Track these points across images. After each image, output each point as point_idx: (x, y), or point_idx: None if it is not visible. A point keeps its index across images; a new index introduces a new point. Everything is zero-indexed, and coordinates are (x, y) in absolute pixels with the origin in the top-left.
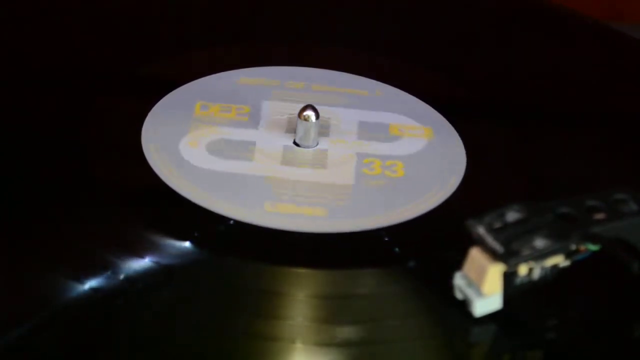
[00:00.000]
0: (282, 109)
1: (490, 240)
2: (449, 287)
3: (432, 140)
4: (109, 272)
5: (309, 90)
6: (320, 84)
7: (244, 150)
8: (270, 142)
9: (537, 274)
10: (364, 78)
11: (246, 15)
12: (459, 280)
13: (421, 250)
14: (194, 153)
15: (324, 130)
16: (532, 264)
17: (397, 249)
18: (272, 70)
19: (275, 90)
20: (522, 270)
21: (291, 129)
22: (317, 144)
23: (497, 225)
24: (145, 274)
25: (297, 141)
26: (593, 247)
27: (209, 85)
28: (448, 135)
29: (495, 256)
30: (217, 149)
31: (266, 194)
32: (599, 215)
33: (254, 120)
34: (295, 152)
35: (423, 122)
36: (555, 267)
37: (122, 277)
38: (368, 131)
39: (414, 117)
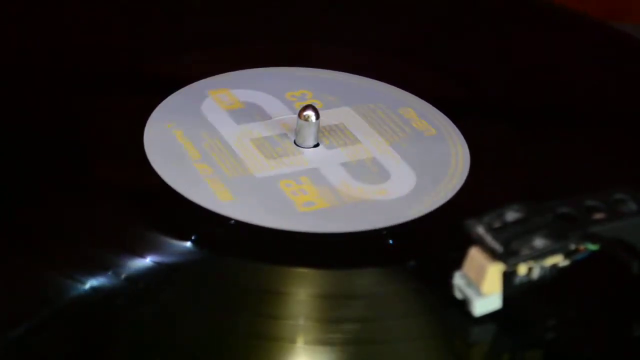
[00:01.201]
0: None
1: (489, 239)
2: (449, 287)
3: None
4: (109, 272)
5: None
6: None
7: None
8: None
9: (536, 273)
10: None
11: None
12: (458, 279)
13: (421, 250)
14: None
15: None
16: (531, 263)
17: (396, 249)
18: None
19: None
20: (522, 269)
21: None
22: (318, 144)
23: (497, 225)
24: (145, 274)
25: (298, 143)
26: (592, 247)
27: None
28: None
29: (494, 256)
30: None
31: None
32: (599, 215)
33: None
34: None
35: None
36: (554, 266)
37: (122, 277)
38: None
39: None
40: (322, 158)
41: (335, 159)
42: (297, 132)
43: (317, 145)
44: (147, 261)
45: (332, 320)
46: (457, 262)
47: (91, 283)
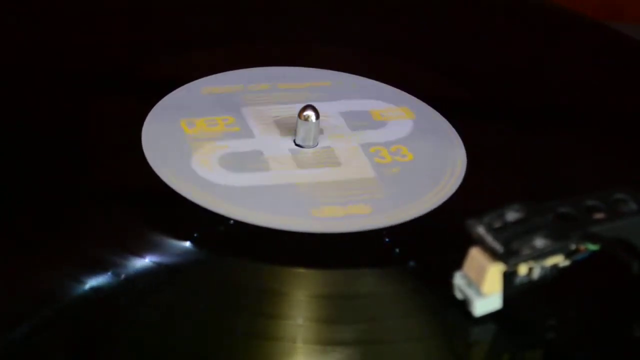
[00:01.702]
0: (263, 113)
1: (490, 239)
2: (449, 287)
3: (421, 126)
4: (109, 272)
5: (276, 90)
6: (285, 82)
7: (256, 161)
8: (276, 148)
9: (537, 273)
10: (342, 73)
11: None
12: (458, 279)
13: (421, 250)
14: (206, 170)
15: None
16: (531, 263)
17: (397, 249)
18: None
19: (245, 95)
20: (522, 270)
21: (285, 132)
22: (317, 143)
23: (497, 225)
24: (145, 274)
25: (298, 142)
26: (593, 247)
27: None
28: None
29: (495, 256)
30: (229, 163)
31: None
32: (599, 215)
33: (246, 129)
34: (304, 153)
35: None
36: (555, 266)
37: (122, 277)
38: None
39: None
40: (268, 145)
41: (268, 150)
42: (297, 132)
43: (317, 145)
44: (147, 261)
45: (332, 320)
46: (457, 262)
47: (90, 283)
